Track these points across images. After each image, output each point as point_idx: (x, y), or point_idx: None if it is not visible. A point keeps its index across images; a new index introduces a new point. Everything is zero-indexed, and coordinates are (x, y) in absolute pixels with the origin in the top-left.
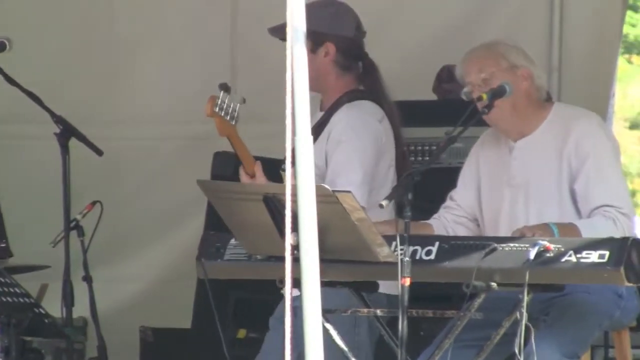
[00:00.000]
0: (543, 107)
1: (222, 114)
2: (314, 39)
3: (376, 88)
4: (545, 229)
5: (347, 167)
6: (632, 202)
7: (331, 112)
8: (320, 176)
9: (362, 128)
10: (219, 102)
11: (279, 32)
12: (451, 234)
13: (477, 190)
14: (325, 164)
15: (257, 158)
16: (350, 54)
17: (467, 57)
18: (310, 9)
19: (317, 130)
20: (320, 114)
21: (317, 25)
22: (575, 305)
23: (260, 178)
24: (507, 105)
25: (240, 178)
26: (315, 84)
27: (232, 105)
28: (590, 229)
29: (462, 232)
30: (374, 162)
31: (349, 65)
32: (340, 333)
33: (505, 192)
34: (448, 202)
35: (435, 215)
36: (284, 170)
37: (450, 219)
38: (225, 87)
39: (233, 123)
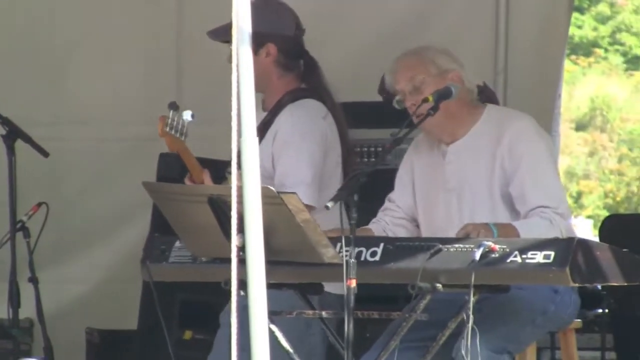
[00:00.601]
0: (475, 110)
1: (173, 132)
2: (255, 40)
3: (318, 85)
4: (485, 228)
5: (296, 168)
6: (567, 201)
7: (275, 112)
8: (267, 177)
9: (308, 127)
10: (169, 122)
11: (219, 35)
12: (392, 236)
13: (412, 192)
14: (272, 166)
15: (202, 160)
16: (291, 53)
17: (396, 65)
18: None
19: (262, 130)
20: (263, 114)
21: (257, 26)
22: (507, 302)
23: (208, 182)
24: (441, 110)
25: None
26: (258, 85)
27: (181, 122)
28: (528, 230)
29: (402, 233)
30: (321, 161)
31: (291, 65)
32: (292, 335)
33: (440, 196)
34: (387, 204)
35: (374, 220)
36: (229, 173)
37: (389, 222)
38: (174, 106)
39: (183, 139)
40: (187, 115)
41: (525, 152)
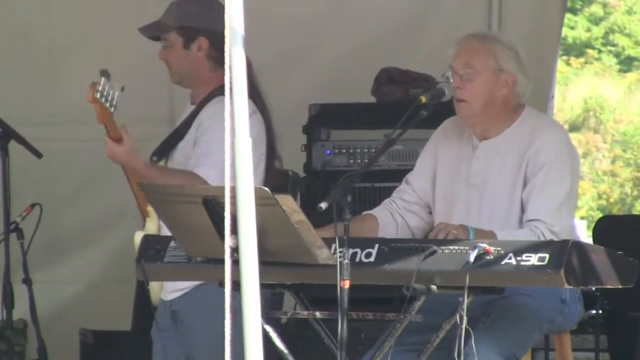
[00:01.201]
0: (514, 111)
1: (103, 101)
2: (186, 35)
3: (249, 82)
4: (462, 229)
5: (212, 152)
6: (567, 223)
7: (202, 105)
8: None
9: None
10: (99, 89)
11: (147, 30)
12: (399, 223)
13: (432, 178)
14: (192, 152)
15: None
16: (223, 47)
17: (461, 43)
18: (180, 5)
19: (187, 123)
20: (191, 108)
21: (188, 20)
22: (516, 308)
23: (128, 142)
24: (481, 103)
25: (105, 143)
26: (189, 80)
27: (111, 93)
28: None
29: (413, 221)
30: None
31: (223, 58)
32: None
33: (462, 189)
34: (402, 186)
35: (386, 201)
36: (154, 162)
37: (400, 205)
38: (105, 74)
39: (112, 110)
40: (117, 87)
41: (546, 164)
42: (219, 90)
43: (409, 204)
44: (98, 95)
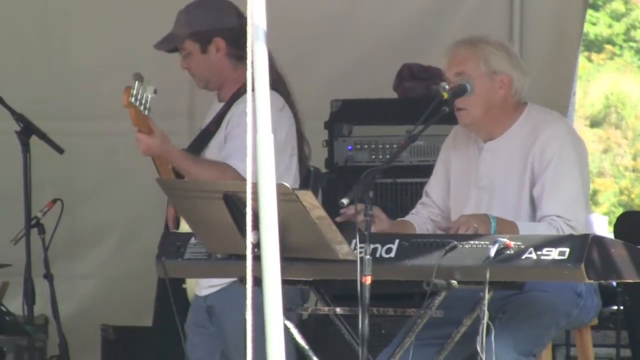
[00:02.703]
0: (515, 109)
1: (137, 104)
2: (200, 39)
3: (274, 75)
4: (484, 219)
5: (239, 151)
6: (583, 215)
7: (230, 103)
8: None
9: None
10: (134, 93)
11: (163, 44)
12: (430, 231)
13: (447, 186)
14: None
15: None
16: (240, 43)
17: (449, 52)
18: (187, 12)
19: (217, 121)
20: (219, 106)
21: (198, 25)
22: (532, 304)
23: (158, 131)
24: (479, 109)
25: (138, 139)
26: (214, 82)
27: (145, 96)
28: (530, 232)
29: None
30: None
31: (243, 54)
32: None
33: (471, 192)
34: (424, 198)
35: (413, 211)
36: None
37: (426, 215)
38: (139, 77)
39: (146, 113)
40: (150, 90)
41: (554, 158)
42: (245, 88)
43: (434, 215)
44: (132, 99)
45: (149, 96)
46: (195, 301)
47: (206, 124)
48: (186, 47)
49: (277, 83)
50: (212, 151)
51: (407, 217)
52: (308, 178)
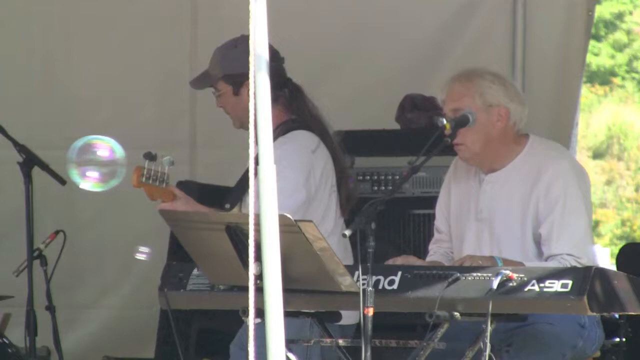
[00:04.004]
0: (517, 142)
1: (150, 182)
2: (233, 81)
3: (307, 113)
4: (490, 262)
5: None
6: (592, 251)
7: None
8: None
9: (296, 160)
10: (144, 172)
11: (198, 83)
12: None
13: (448, 218)
14: None
15: (212, 187)
16: (273, 85)
17: (446, 88)
18: (222, 52)
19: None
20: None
21: (232, 67)
22: (538, 336)
23: (181, 194)
24: (478, 143)
25: (162, 210)
26: (248, 124)
27: (160, 170)
28: None
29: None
30: (304, 194)
31: (275, 96)
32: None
33: (472, 224)
34: (436, 235)
35: (431, 253)
36: (227, 209)
37: (443, 253)
38: (149, 156)
39: (164, 186)
40: (166, 162)
41: (561, 196)
42: (279, 131)
43: (450, 249)
44: (143, 179)
45: (166, 168)
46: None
47: (246, 168)
48: (219, 88)
49: (312, 122)
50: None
51: (435, 259)
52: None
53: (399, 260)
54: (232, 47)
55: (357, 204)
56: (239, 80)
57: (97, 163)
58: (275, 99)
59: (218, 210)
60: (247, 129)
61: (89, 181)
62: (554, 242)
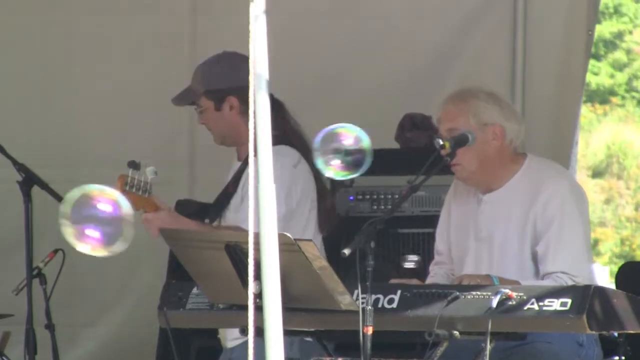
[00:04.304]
0: (514, 161)
1: (134, 191)
2: (215, 97)
3: (288, 129)
4: (486, 279)
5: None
6: (588, 270)
7: (247, 162)
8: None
9: (276, 173)
10: (128, 180)
11: (180, 99)
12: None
13: (449, 239)
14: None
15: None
16: None
17: (442, 108)
18: (205, 68)
19: (235, 181)
20: (238, 164)
21: (213, 83)
22: (537, 355)
23: (164, 206)
24: (474, 163)
25: (146, 220)
26: (230, 139)
27: (143, 180)
28: None
29: None
30: (285, 207)
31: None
32: None
33: (471, 244)
34: (437, 258)
35: (432, 274)
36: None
37: (443, 274)
38: (133, 165)
39: (146, 196)
40: (150, 172)
41: (557, 216)
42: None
43: (451, 271)
44: (127, 187)
45: (149, 178)
46: (224, 354)
47: (226, 183)
48: (201, 104)
49: (293, 137)
50: (232, 212)
51: (429, 282)
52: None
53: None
54: (214, 63)
55: (336, 221)
56: (221, 96)
57: (342, 151)
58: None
59: (200, 224)
60: (228, 144)
61: (332, 169)
62: (550, 260)
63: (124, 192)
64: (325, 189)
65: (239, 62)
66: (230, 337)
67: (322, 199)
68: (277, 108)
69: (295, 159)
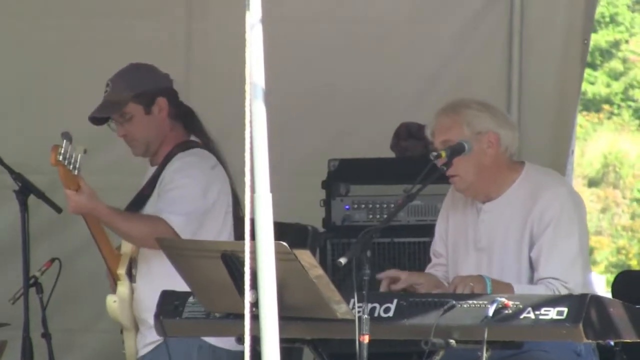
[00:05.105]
0: (512, 169)
1: (66, 164)
2: (144, 100)
3: (203, 135)
4: (479, 279)
5: (172, 205)
6: (581, 278)
7: (164, 164)
8: None
9: (195, 172)
10: (62, 151)
11: (103, 112)
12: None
13: (447, 244)
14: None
15: None
16: (177, 103)
17: (434, 122)
18: (122, 78)
19: (151, 184)
20: (152, 169)
21: (141, 86)
22: None
23: (86, 187)
24: (471, 173)
25: (66, 196)
26: (155, 144)
27: (74, 155)
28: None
29: None
30: (201, 204)
31: (179, 113)
32: None
33: (470, 254)
34: (433, 260)
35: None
36: None
37: (441, 276)
38: (67, 136)
39: (76, 173)
40: (80, 149)
41: (553, 220)
42: (178, 148)
43: (446, 274)
44: (60, 157)
45: (79, 155)
46: None
47: (140, 188)
48: (129, 110)
49: (210, 144)
50: (147, 213)
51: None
52: (306, 237)
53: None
54: (132, 71)
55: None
56: (150, 98)
57: None
58: (177, 117)
59: (117, 211)
60: (149, 153)
61: None
62: (542, 265)
63: (57, 162)
64: (238, 198)
65: (151, 68)
66: (141, 345)
67: (236, 207)
68: (190, 113)
69: (212, 161)
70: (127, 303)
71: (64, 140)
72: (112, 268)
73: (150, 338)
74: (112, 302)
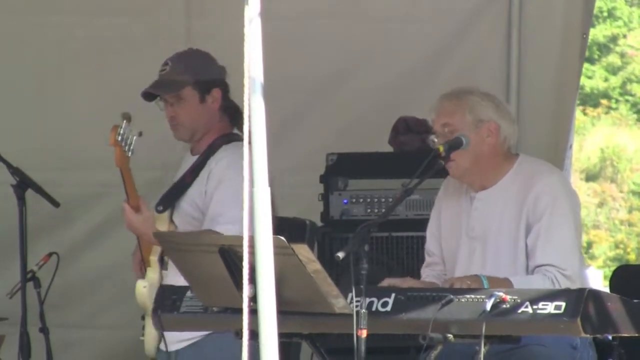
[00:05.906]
0: (507, 159)
1: (123, 145)
2: (202, 88)
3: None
4: (475, 280)
5: (229, 205)
6: (577, 264)
7: (207, 154)
8: (199, 214)
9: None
10: (121, 132)
11: (159, 89)
12: None
13: (439, 238)
14: (204, 203)
15: None
16: (228, 97)
17: (436, 106)
18: (184, 60)
19: (193, 172)
20: (192, 158)
21: (203, 74)
22: (531, 358)
23: (146, 212)
24: (468, 160)
25: (123, 210)
26: (200, 133)
27: (130, 137)
28: (526, 287)
29: None
30: None
31: (227, 107)
32: None
33: (463, 242)
34: (427, 259)
35: (424, 276)
36: (159, 211)
37: (436, 276)
38: (127, 117)
39: (129, 155)
40: (136, 131)
41: (548, 208)
42: (222, 139)
43: (442, 272)
44: (119, 138)
45: (134, 137)
46: (160, 357)
47: (179, 176)
48: (185, 94)
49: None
50: (187, 203)
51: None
52: (304, 231)
53: (398, 282)
54: (194, 56)
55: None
56: (208, 87)
57: None
58: (226, 110)
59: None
60: (193, 141)
61: None
62: (539, 252)
63: (115, 142)
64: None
65: (210, 57)
66: (174, 340)
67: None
68: (236, 108)
69: None
70: (156, 289)
71: (124, 121)
72: (144, 253)
73: (185, 334)
74: (142, 287)
